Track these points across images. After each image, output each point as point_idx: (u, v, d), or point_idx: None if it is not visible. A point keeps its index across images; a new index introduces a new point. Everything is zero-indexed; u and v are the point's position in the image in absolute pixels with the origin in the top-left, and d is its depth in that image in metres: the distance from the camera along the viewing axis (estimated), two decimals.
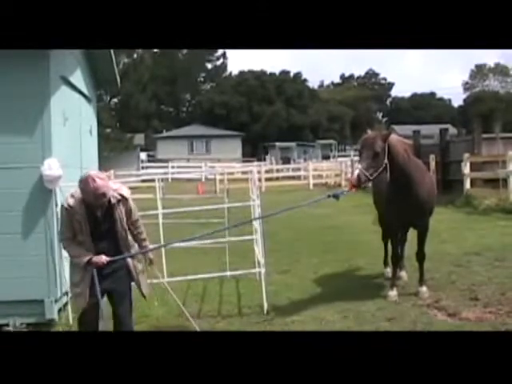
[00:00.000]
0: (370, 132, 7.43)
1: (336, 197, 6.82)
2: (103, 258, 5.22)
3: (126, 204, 5.38)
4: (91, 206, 5.18)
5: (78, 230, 5.21)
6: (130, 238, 5.49)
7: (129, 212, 5.41)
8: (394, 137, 7.37)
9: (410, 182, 7.46)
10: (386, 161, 7.12)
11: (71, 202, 5.19)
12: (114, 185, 5.50)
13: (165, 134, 67.02)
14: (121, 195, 5.33)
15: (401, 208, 7.64)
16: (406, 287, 8.21)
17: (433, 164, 20.28)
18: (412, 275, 8.43)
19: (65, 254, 7.16)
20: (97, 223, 5.25)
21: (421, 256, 8.00)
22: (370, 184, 7.77)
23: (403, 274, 8.66)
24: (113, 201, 5.27)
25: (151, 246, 5.87)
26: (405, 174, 7.40)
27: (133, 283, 5.53)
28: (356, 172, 7.00)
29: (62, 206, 5.31)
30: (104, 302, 5.40)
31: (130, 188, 5.60)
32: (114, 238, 5.35)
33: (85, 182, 5.09)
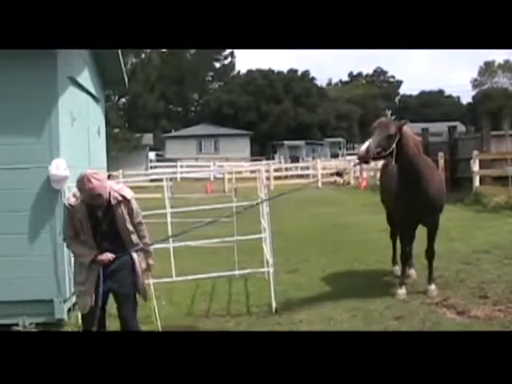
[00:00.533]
0: (383, 118, 7.57)
1: (340, 175, 7.10)
2: (109, 256, 5.21)
3: (128, 205, 5.32)
4: (91, 205, 5.17)
5: (79, 228, 5.21)
6: (134, 238, 5.40)
7: (131, 213, 5.35)
8: (407, 129, 7.40)
9: (419, 178, 7.45)
10: (394, 146, 7.15)
11: (72, 201, 5.20)
12: (116, 185, 5.47)
13: (173, 133, 67.19)
14: (122, 196, 5.28)
15: (410, 205, 7.61)
16: (414, 285, 8.19)
17: (442, 162, 20.22)
18: (421, 273, 8.41)
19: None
20: (97, 223, 5.24)
21: (430, 254, 7.97)
22: (379, 163, 7.83)
23: (412, 271, 8.64)
24: (113, 201, 5.23)
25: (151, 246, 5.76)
26: (414, 170, 7.40)
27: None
28: (366, 144, 7.06)
29: (64, 204, 5.37)
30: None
31: (139, 187, 5.60)
32: (117, 238, 5.32)
33: (81, 182, 5.07)
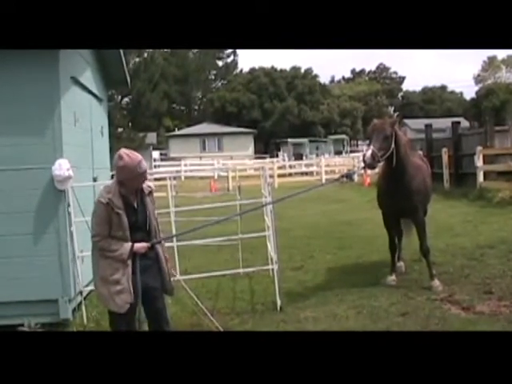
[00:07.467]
0: (377, 120, 7.78)
1: (349, 177, 7.28)
2: (144, 245, 5.11)
3: (152, 197, 5.35)
4: (126, 196, 5.09)
5: (116, 223, 5.02)
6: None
7: (154, 205, 5.37)
8: (397, 128, 7.68)
9: (401, 175, 7.77)
10: (393, 145, 7.45)
11: (108, 196, 5.01)
12: None
13: (177, 132, 67.16)
14: (149, 187, 5.31)
15: (391, 200, 8.03)
16: (419, 281, 8.20)
17: (445, 158, 20.18)
18: (425, 270, 8.40)
19: (78, 253, 7.23)
20: (133, 214, 5.13)
21: (424, 250, 8.13)
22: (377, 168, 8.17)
23: (401, 264, 8.92)
24: (146, 191, 5.24)
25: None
26: (398, 168, 7.67)
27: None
28: (369, 151, 7.15)
29: (99, 202, 5.02)
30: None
31: None
32: (148, 230, 5.23)
33: (119, 157, 5.01)
